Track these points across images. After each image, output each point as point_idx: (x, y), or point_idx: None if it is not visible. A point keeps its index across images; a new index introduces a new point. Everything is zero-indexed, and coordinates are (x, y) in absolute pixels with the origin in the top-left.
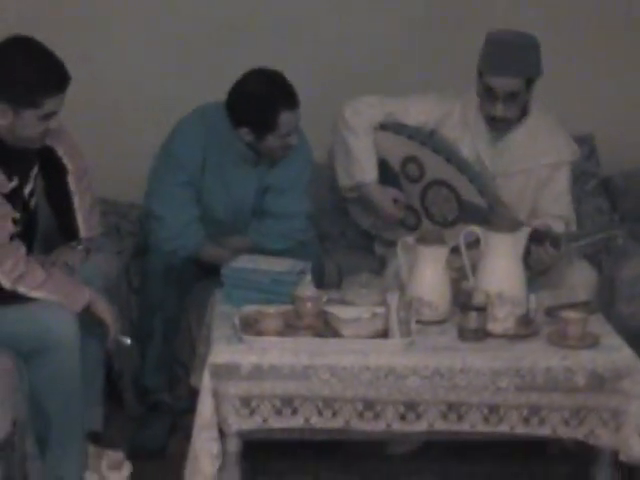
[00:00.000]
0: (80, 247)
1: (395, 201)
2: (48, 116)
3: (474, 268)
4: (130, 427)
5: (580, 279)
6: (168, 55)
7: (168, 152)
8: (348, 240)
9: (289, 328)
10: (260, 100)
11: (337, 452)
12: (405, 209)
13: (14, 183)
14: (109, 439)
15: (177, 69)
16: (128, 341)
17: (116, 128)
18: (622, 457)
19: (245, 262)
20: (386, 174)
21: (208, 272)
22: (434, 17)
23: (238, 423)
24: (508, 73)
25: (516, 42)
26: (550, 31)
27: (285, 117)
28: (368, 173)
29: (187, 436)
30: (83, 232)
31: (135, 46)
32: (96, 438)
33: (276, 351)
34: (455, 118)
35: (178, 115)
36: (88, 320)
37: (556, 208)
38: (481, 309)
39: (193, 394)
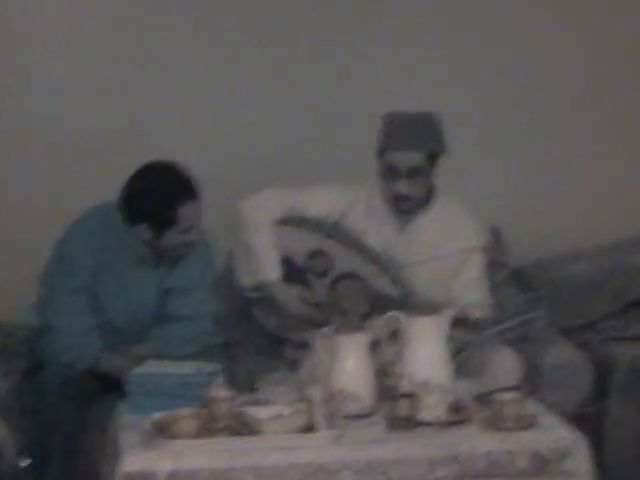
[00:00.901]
0: None
1: (301, 299)
2: None
3: (397, 358)
4: None
5: (504, 366)
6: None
7: (61, 255)
8: (256, 345)
9: (205, 431)
10: (156, 195)
11: None
12: (313, 306)
13: None
14: None
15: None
16: (26, 462)
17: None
18: None
19: (151, 367)
20: (291, 271)
21: (108, 388)
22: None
23: None
24: (410, 147)
25: (416, 118)
26: (453, 122)
27: (185, 210)
28: (271, 271)
29: None
30: None
31: None
32: None
33: (193, 454)
34: (360, 209)
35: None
36: None
37: (472, 295)
38: (411, 396)
39: None
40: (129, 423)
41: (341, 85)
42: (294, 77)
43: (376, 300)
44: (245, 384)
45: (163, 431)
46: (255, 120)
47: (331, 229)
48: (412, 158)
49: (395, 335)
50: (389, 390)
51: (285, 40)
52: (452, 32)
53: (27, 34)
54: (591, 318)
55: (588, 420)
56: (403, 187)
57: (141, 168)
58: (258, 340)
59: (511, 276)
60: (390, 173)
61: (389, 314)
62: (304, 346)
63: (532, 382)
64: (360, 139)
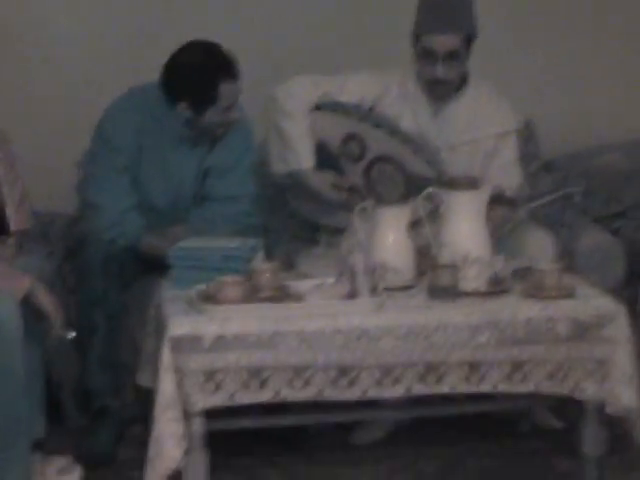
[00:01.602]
0: (11, 240)
1: (334, 185)
2: None
3: (437, 233)
4: (72, 441)
5: (541, 246)
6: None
7: (102, 136)
8: (290, 231)
9: (249, 300)
10: (198, 71)
11: (302, 443)
12: (348, 191)
13: None
14: (52, 450)
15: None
16: (73, 334)
17: (34, 138)
18: (609, 409)
19: (193, 242)
20: (325, 157)
21: (148, 269)
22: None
23: (203, 400)
24: (447, 30)
25: (450, 0)
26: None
27: (225, 88)
28: (304, 160)
29: (137, 444)
30: (14, 224)
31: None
32: (39, 448)
33: (239, 320)
34: (393, 93)
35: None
36: (27, 315)
37: (506, 179)
38: (452, 266)
39: (140, 400)
40: (173, 295)
41: None
42: None
43: (412, 182)
44: (284, 262)
45: (208, 298)
46: (288, 7)
47: (365, 113)
48: (449, 41)
49: (434, 213)
50: (430, 262)
51: None
52: None
53: None
54: (622, 206)
55: None
56: (440, 71)
57: (184, 46)
58: (292, 226)
59: (543, 167)
60: (426, 57)
61: (428, 190)
62: (339, 231)
63: (566, 266)
64: (392, 23)
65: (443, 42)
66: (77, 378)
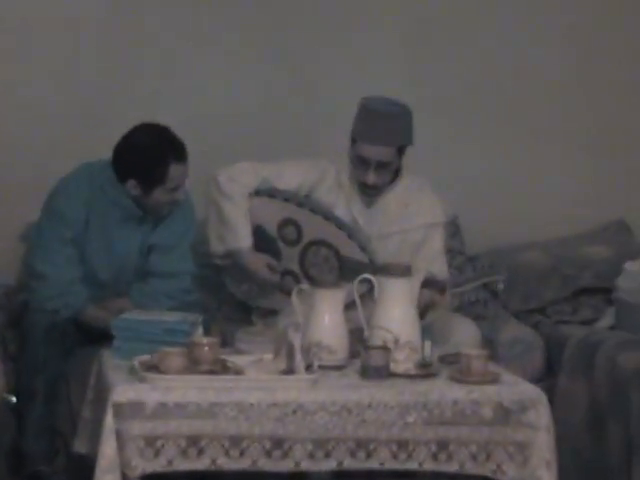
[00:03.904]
0: None
1: (270, 267)
2: None
3: (369, 317)
4: None
5: (465, 336)
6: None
7: (51, 208)
8: (225, 312)
9: (190, 372)
10: (149, 152)
11: None
12: (282, 274)
13: None
14: None
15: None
16: (13, 399)
17: None
18: None
19: (135, 315)
20: (263, 240)
21: (88, 339)
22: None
23: (142, 465)
24: (380, 143)
25: (388, 111)
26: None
27: (174, 170)
28: (243, 239)
29: None
30: None
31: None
32: None
33: (180, 389)
34: (329, 181)
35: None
36: None
37: (433, 267)
38: (383, 348)
39: (73, 467)
40: (115, 364)
41: (318, 69)
42: (276, 55)
43: (346, 266)
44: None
45: (151, 367)
46: (236, 95)
47: (302, 200)
48: (381, 153)
49: (367, 297)
50: (362, 344)
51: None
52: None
53: None
54: (542, 303)
55: None
56: (371, 177)
57: (136, 127)
58: (227, 306)
59: (468, 261)
60: (359, 162)
61: (362, 276)
62: (272, 313)
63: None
64: (335, 118)
65: (376, 152)
66: (11, 442)
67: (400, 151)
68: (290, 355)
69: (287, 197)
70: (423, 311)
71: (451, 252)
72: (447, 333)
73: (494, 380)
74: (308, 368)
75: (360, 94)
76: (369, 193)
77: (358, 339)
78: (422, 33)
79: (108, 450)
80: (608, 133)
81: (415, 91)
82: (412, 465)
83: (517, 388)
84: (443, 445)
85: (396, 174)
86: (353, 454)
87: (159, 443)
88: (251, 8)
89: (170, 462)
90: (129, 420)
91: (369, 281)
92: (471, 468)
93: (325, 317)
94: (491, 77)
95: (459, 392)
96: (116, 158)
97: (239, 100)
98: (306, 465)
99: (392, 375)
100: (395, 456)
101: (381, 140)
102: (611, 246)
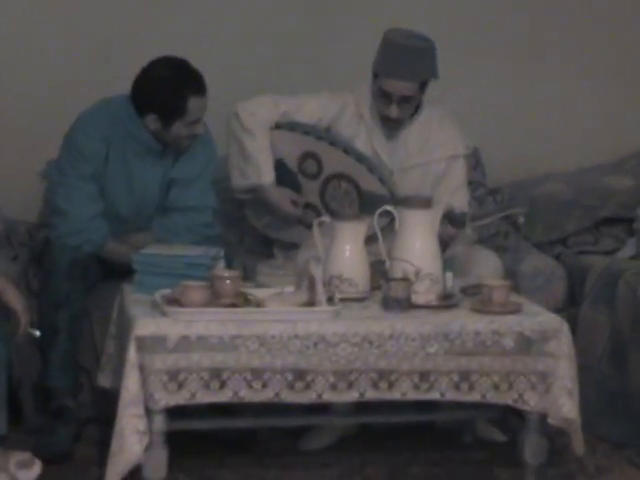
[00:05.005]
0: None
1: (292, 201)
2: None
3: (390, 249)
4: (30, 439)
5: (487, 266)
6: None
7: (71, 145)
8: (247, 246)
9: (211, 304)
10: (169, 85)
11: (252, 448)
12: (304, 207)
13: None
14: (11, 448)
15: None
16: (37, 333)
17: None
18: (551, 420)
19: (157, 249)
20: (283, 174)
21: (109, 274)
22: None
23: (165, 398)
24: (403, 77)
25: (412, 45)
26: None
27: (193, 103)
28: (265, 175)
29: (93, 443)
30: None
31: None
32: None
33: (203, 322)
34: (349, 113)
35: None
36: None
37: (455, 199)
38: (404, 280)
39: (96, 401)
40: (137, 298)
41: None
42: None
43: (366, 199)
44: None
45: (173, 301)
46: (253, 27)
47: (322, 133)
48: (405, 87)
49: (388, 230)
50: (383, 276)
51: None
52: None
53: None
54: (563, 234)
55: None
56: (393, 112)
57: (154, 60)
58: (248, 240)
59: (488, 193)
60: (382, 96)
61: (383, 208)
62: (292, 246)
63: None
64: (357, 50)
65: (399, 87)
66: (37, 377)
67: (423, 85)
68: (311, 288)
69: (307, 130)
70: (445, 244)
71: (472, 184)
72: (469, 265)
73: (516, 310)
74: (329, 300)
75: (378, 26)
76: (391, 126)
77: (379, 271)
78: None
79: (131, 384)
80: (631, 64)
81: (435, 21)
82: (434, 395)
83: (539, 318)
84: (465, 375)
85: (417, 106)
86: (375, 385)
87: (182, 376)
88: None
89: (193, 395)
90: (151, 354)
91: (390, 213)
92: (493, 398)
93: (346, 250)
94: (513, 7)
95: (480, 322)
96: (135, 92)
97: (255, 32)
98: (328, 397)
99: (413, 307)
100: (417, 387)
101: (406, 75)
102: (632, 176)
